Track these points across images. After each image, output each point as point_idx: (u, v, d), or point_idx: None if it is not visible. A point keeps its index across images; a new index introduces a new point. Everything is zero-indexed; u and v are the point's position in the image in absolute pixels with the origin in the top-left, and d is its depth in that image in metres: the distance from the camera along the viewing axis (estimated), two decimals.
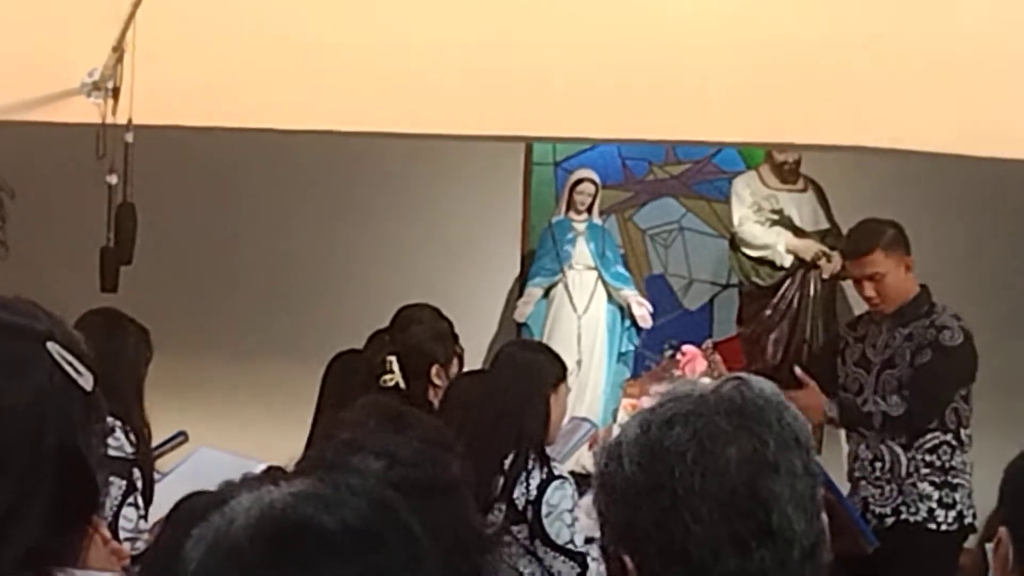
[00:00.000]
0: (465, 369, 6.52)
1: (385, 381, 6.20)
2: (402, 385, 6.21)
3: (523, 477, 5.74)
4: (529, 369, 5.94)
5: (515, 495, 5.72)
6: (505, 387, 5.84)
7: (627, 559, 2.02)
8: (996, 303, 8.45)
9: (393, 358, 6.24)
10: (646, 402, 8.83)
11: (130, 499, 5.58)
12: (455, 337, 6.52)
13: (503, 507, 5.69)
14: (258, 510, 1.52)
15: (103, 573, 2.06)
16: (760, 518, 1.99)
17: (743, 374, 2.07)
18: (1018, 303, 8.78)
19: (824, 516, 2.04)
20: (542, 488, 5.74)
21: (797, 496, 2.01)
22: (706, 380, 2.10)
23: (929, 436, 6.83)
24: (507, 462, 5.73)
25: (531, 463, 5.77)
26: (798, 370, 7.20)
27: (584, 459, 7.89)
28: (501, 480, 5.71)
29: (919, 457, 6.84)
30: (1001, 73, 6.47)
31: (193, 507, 3.49)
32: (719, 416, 2.01)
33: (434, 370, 6.25)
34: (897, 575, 6.70)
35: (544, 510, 5.72)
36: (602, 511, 2.06)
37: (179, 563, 1.52)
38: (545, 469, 5.78)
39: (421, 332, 6.44)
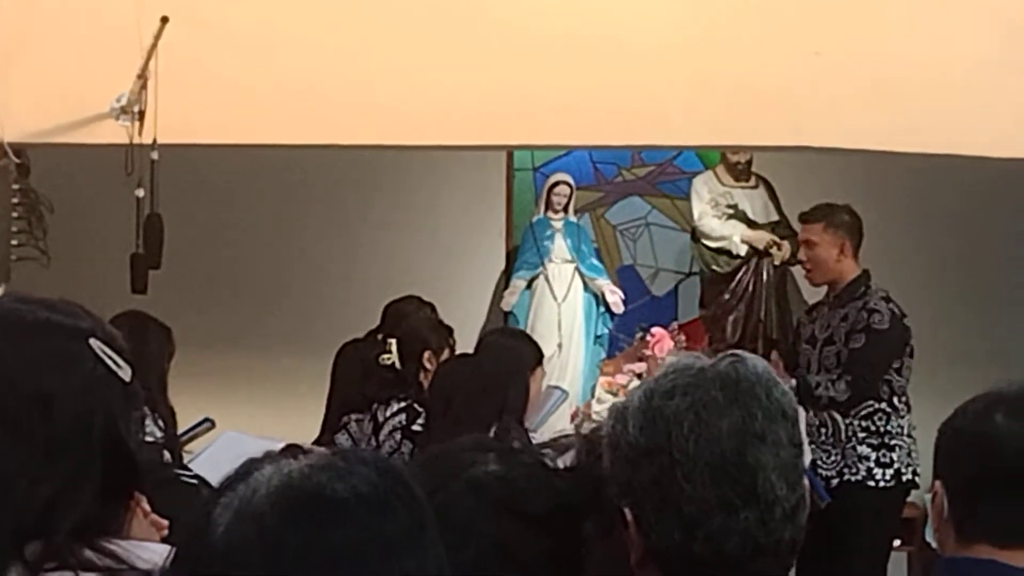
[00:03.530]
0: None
1: (383, 360, 6.21)
2: (398, 365, 6.21)
3: None
4: (511, 353, 5.93)
5: None
6: (490, 368, 5.82)
7: (627, 511, 1.99)
8: (939, 280, 8.47)
9: (393, 341, 6.24)
10: (620, 379, 8.83)
11: None
12: (450, 330, 6.52)
13: None
14: (278, 480, 1.52)
15: (144, 542, 2.03)
16: (746, 483, 1.96)
17: (740, 351, 2.05)
18: (951, 282, 8.79)
19: (805, 481, 2.03)
20: None
21: (781, 464, 1.98)
22: (682, 355, 2.07)
23: (864, 405, 6.83)
24: (491, 433, 5.72)
25: (511, 433, 5.74)
26: (774, 355, 7.23)
27: (569, 429, 7.87)
28: None
29: (856, 423, 6.85)
30: (924, 81, 6.49)
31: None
32: (715, 389, 1.98)
33: (426, 355, 6.25)
34: (843, 530, 6.71)
35: None
36: (606, 467, 2.03)
37: (207, 527, 1.50)
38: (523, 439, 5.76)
39: (419, 321, 6.45)
